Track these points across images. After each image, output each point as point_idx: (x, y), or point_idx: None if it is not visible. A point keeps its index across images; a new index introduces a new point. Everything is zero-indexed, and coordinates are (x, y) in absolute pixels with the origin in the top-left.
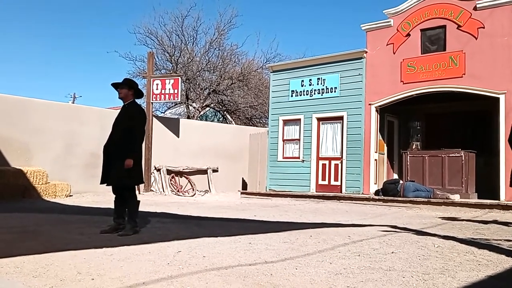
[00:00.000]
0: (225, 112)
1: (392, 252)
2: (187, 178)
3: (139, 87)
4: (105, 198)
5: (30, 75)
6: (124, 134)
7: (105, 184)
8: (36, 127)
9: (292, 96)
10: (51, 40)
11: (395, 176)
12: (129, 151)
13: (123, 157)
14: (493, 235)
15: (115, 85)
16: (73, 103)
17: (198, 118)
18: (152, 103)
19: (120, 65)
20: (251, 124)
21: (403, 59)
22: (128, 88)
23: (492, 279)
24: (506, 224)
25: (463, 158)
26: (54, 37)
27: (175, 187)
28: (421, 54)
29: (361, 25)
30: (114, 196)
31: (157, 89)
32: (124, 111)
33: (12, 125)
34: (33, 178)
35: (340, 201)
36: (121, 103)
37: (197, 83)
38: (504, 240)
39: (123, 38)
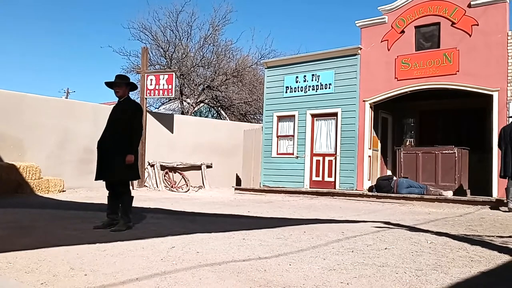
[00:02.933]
0: (219, 108)
1: (386, 248)
2: (181, 174)
3: (131, 81)
4: (98, 193)
5: (22, 69)
6: (123, 130)
7: (102, 180)
8: (30, 122)
9: (286, 92)
10: (45, 35)
11: (389, 173)
12: (130, 146)
13: (123, 153)
14: (486, 231)
15: (110, 84)
16: (66, 98)
17: (192, 114)
18: (146, 98)
19: (114, 60)
20: (245, 120)
21: (397, 56)
22: (125, 86)
23: (484, 275)
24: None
25: (456, 155)
26: (48, 32)
27: (169, 183)
28: (415, 51)
29: (356, 22)
30: (107, 191)
31: (151, 84)
32: (120, 107)
33: (5, 120)
34: (26, 174)
35: (334, 197)
36: (115, 99)
37: (191, 79)
38: (497, 236)
39: (117, 33)
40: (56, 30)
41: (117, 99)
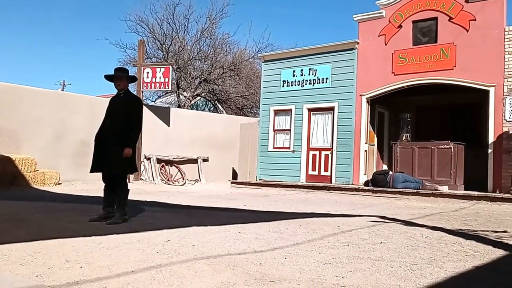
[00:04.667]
0: (216, 102)
1: (381, 242)
2: (177, 167)
3: (132, 74)
4: (94, 186)
5: (18, 62)
6: (123, 123)
7: (98, 172)
8: (26, 115)
9: (283, 86)
10: (41, 27)
11: (385, 167)
12: (130, 139)
13: (122, 146)
14: (481, 226)
15: (111, 77)
16: (63, 90)
17: (189, 107)
18: (142, 91)
19: (111, 53)
20: (242, 114)
21: (395, 51)
22: (126, 79)
23: (478, 270)
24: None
25: (452, 150)
26: (43, 23)
27: (165, 176)
28: (413, 45)
29: (354, 16)
30: (103, 184)
31: (147, 77)
32: (120, 100)
33: (0, 112)
34: (22, 166)
35: (330, 191)
36: (112, 91)
37: (188, 72)
38: (491, 231)
39: (113, 26)
40: (52, 22)
41: (116, 91)
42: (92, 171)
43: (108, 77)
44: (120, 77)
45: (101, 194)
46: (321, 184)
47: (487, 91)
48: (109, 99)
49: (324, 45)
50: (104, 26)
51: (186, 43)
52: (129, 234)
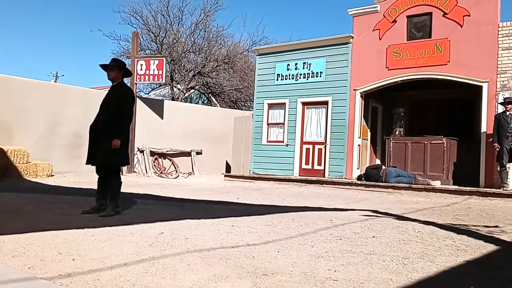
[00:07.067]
0: (210, 95)
1: (373, 237)
2: (170, 160)
3: (125, 67)
4: (87, 178)
5: (10, 52)
6: (113, 115)
7: (91, 165)
8: (18, 106)
9: (277, 80)
10: (33, 17)
11: (378, 162)
12: (118, 131)
13: (112, 138)
14: (472, 221)
15: (104, 66)
16: (55, 82)
17: (183, 100)
18: (136, 83)
19: (104, 44)
20: (236, 107)
21: (389, 45)
22: (118, 70)
23: (469, 264)
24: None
25: (445, 145)
26: (36, 13)
27: (158, 169)
28: (407, 40)
29: (348, 10)
30: (97, 176)
31: (141, 69)
32: (113, 92)
33: None
34: (14, 157)
35: (323, 185)
36: (106, 83)
37: (182, 65)
38: (483, 226)
39: (107, 17)
40: (45, 13)
41: (110, 83)
42: (87, 163)
43: (103, 67)
44: (111, 66)
45: (94, 186)
46: (314, 178)
47: (480, 87)
48: (104, 91)
49: (319, 39)
50: (97, 17)
51: (180, 36)
52: (122, 227)
